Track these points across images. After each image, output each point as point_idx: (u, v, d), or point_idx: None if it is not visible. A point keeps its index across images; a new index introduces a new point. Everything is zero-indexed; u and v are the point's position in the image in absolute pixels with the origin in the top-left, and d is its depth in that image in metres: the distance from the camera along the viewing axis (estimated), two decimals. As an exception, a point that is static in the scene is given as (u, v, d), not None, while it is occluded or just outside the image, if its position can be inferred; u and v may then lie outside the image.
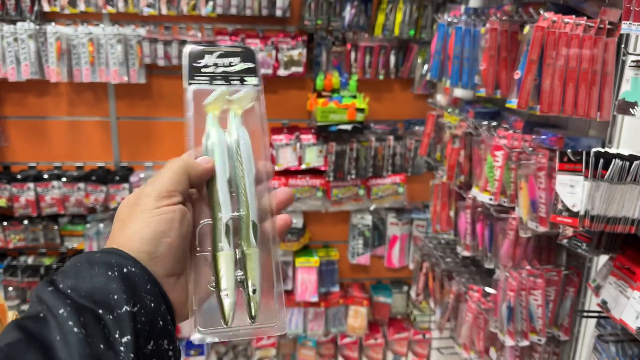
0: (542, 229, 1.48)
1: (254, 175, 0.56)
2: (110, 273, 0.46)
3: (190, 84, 0.57)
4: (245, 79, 0.59)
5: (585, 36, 1.30)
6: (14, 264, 2.54)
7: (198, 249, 0.54)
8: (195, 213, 0.54)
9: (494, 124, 1.72)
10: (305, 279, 2.73)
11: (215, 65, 0.58)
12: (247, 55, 0.60)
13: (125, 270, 0.46)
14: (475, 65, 1.73)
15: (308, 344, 2.86)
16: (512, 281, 1.60)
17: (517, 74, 1.44)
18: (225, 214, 0.54)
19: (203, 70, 0.58)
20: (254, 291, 0.53)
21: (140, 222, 0.50)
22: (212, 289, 0.53)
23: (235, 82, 0.59)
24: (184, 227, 0.51)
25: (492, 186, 1.67)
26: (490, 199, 1.68)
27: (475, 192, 1.77)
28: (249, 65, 0.59)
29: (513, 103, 1.43)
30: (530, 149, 1.51)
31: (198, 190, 0.56)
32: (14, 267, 2.52)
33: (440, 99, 2.34)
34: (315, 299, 2.72)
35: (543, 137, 1.48)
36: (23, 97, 2.23)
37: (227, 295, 0.52)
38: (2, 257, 2.60)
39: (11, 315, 1.19)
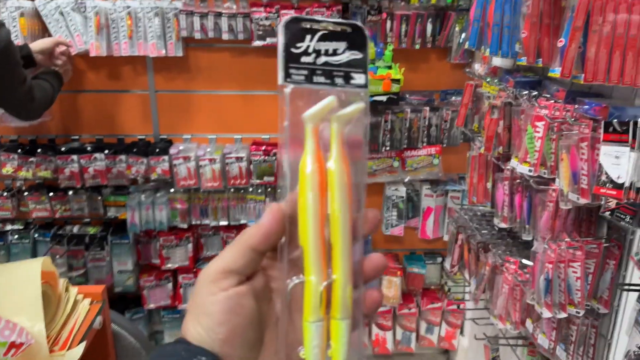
0: (583, 201, 1.45)
1: (350, 227, 0.43)
2: None
3: (287, 81, 0.41)
4: (352, 75, 0.43)
5: (634, 0, 1.25)
6: (60, 232, 2.65)
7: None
8: (272, 277, 0.48)
9: (535, 93, 1.68)
10: (340, 249, 2.76)
11: (317, 52, 0.42)
12: (356, 39, 0.43)
13: None
14: (516, 33, 1.68)
15: (342, 312, 2.91)
16: (551, 253, 1.58)
17: (561, 42, 1.39)
18: (317, 277, 0.43)
19: (302, 60, 0.42)
20: None
21: (201, 309, 0.46)
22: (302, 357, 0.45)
23: (338, 81, 0.42)
24: (244, 311, 0.45)
25: (532, 157, 1.64)
26: (530, 170, 1.65)
27: (514, 163, 1.74)
28: (357, 55, 0.43)
29: (556, 72, 1.39)
30: (572, 119, 1.48)
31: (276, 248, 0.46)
32: (60, 236, 2.63)
33: (478, 68, 2.29)
34: (349, 269, 2.75)
35: (586, 106, 1.44)
36: (65, 72, 2.29)
37: None
38: (49, 226, 2.72)
39: (62, 283, 1.23)
